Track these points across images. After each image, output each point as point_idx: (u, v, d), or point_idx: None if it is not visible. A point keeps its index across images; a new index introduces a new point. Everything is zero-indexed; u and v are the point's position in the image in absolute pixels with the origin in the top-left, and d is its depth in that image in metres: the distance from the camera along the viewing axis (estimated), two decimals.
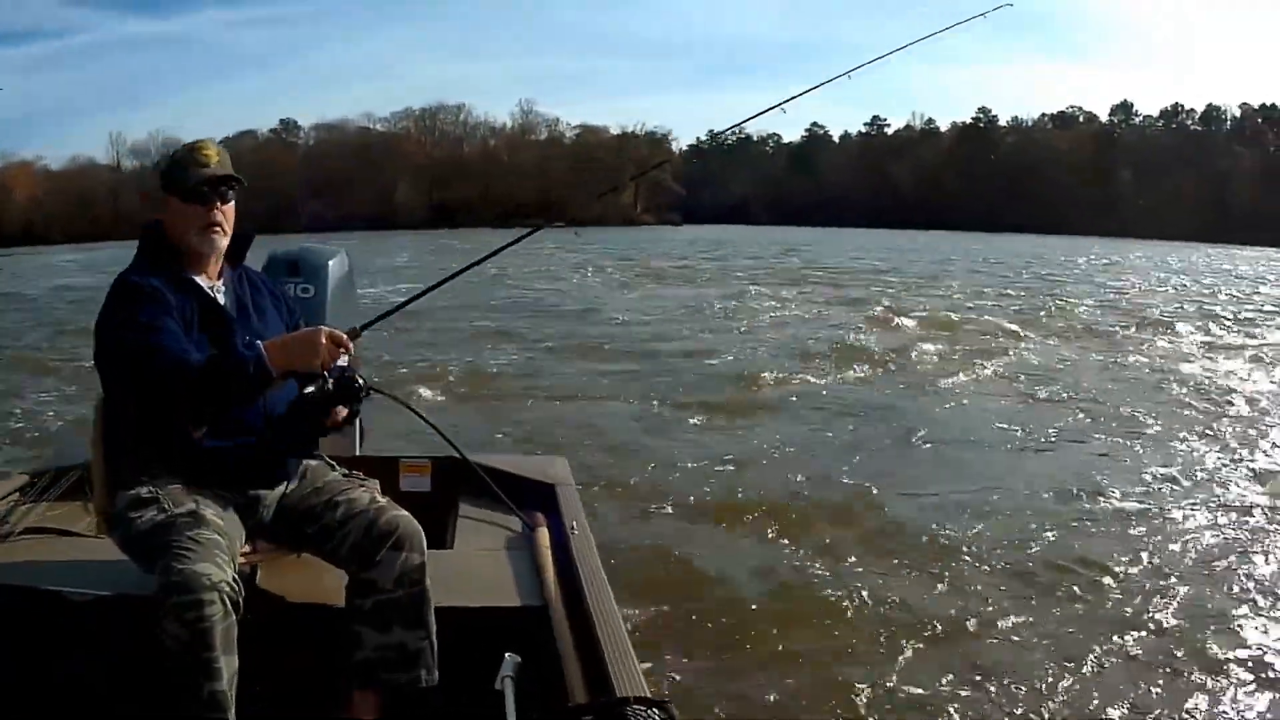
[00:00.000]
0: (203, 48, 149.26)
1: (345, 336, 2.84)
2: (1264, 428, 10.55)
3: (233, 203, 3.05)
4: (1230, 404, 11.94)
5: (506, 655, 2.82)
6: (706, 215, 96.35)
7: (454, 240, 50.20)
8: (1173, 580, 6.07)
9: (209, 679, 2.52)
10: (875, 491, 7.84)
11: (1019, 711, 4.57)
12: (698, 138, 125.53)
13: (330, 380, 2.86)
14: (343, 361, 2.90)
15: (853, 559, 6.37)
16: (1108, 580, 6.04)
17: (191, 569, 2.53)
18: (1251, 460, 9.10)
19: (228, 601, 2.56)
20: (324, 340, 2.79)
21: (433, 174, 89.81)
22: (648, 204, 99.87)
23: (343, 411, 2.99)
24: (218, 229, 3.01)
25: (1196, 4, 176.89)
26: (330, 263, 4.34)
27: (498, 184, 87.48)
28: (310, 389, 2.85)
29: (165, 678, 2.53)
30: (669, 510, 7.32)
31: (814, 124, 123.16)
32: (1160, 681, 4.82)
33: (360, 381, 2.93)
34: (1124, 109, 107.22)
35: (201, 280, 3.02)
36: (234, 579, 2.62)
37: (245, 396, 2.83)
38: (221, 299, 3.04)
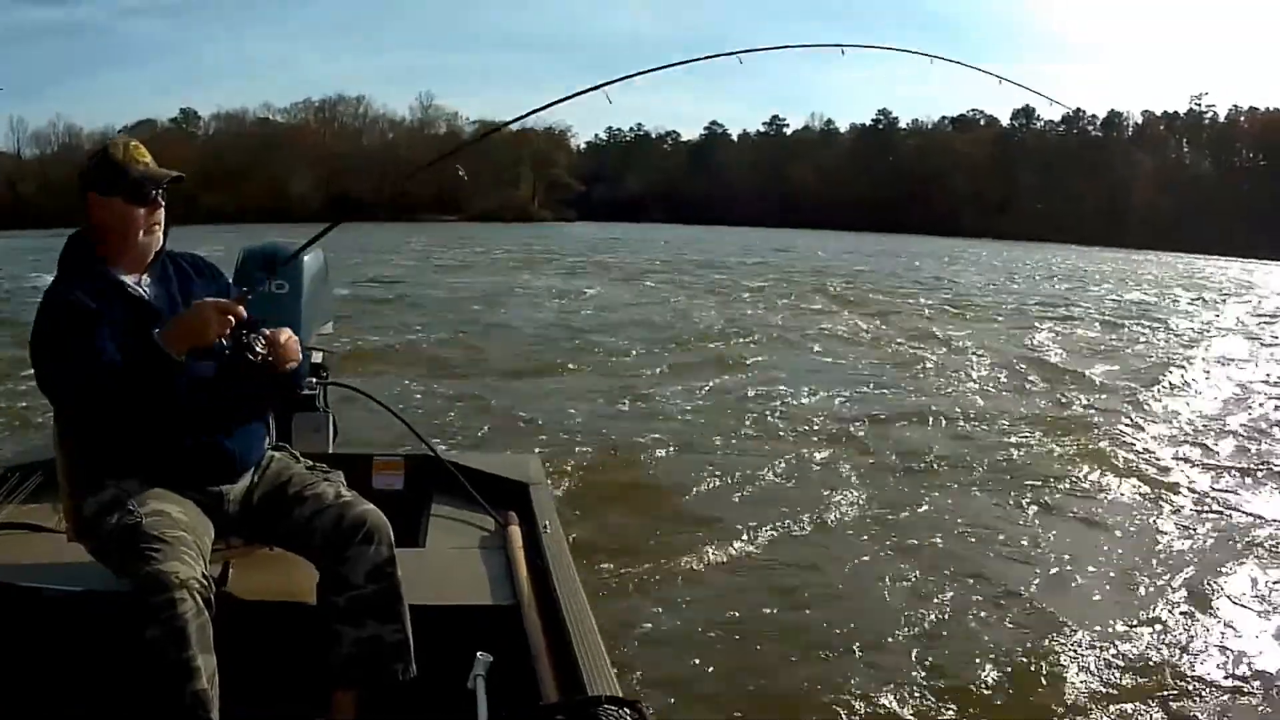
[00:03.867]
0: (96, 35, 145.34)
1: (233, 305, 2.82)
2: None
3: None
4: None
5: (479, 654, 2.86)
6: (602, 212, 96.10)
7: (351, 234, 49.61)
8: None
9: (190, 679, 2.52)
10: (844, 481, 8.27)
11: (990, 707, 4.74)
12: (596, 134, 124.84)
13: (227, 348, 2.88)
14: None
15: (828, 556, 6.56)
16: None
17: (160, 568, 2.54)
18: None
19: (199, 598, 2.56)
20: (210, 313, 2.77)
21: (330, 166, 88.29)
22: (545, 199, 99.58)
23: (287, 361, 3.00)
24: (158, 226, 3.04)
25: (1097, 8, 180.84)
26: (305, 259, 4.33)
27: (396, 177, 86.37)
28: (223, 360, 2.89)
29: (146, 682, 2.52)
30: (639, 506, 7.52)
31: (713, 123, 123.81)
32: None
33: (257, 340, 2.91)
34: (1025, 113, 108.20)
35: (129, 279, 3.00)
36: (204, 574, 2.63)
37: (159, 384, 2.76)
38: (147, 293, 3.01)
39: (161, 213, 3.04)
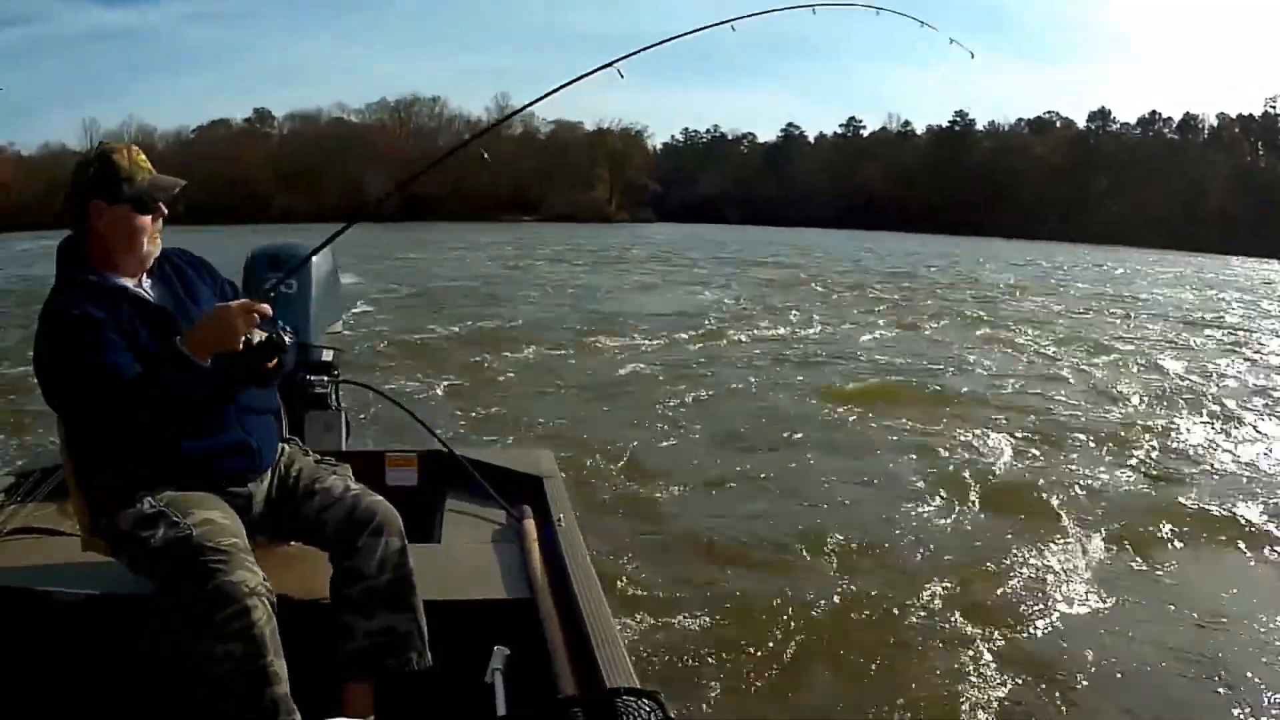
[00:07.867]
0: (166, 38, 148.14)
1: (259, 304, 2.80)
2: None
3: None
4: None
5: (495, 648, 2.87)
6: (677, 213, 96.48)
7: (422, 234, 50.14)
8: None
9: (270, 684, 2.53)
10: (854, 477, 8.21)
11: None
12: (672, 135, 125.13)
13: (254, 343, 2.83)
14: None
15: (841, 550, 6.45)
16: None
17: (228, 579, 2.53)
18: None
19: (266, 603, 2.57)
20: (237, 317, 2.75)
21: (405, 167, 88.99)
22: (621, 200, 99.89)
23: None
24: (159, 233, 2.99)
25: (1170, 11, 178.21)
26: (315, 258, 4.30)
27: (470, 178, 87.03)
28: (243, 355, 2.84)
29: (223, 690, 2.51)
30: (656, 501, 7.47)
31: (790, 124, 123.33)
32: None
33: (284, 337, 2.89)
34: (1101, 115, 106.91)
35: (129, 282, 2.94)
36: (265, 578, 2.62)
37: (189, 393, 2.74)
38: (149, 294, 2.96)
39: (162, 219, 2.99)
